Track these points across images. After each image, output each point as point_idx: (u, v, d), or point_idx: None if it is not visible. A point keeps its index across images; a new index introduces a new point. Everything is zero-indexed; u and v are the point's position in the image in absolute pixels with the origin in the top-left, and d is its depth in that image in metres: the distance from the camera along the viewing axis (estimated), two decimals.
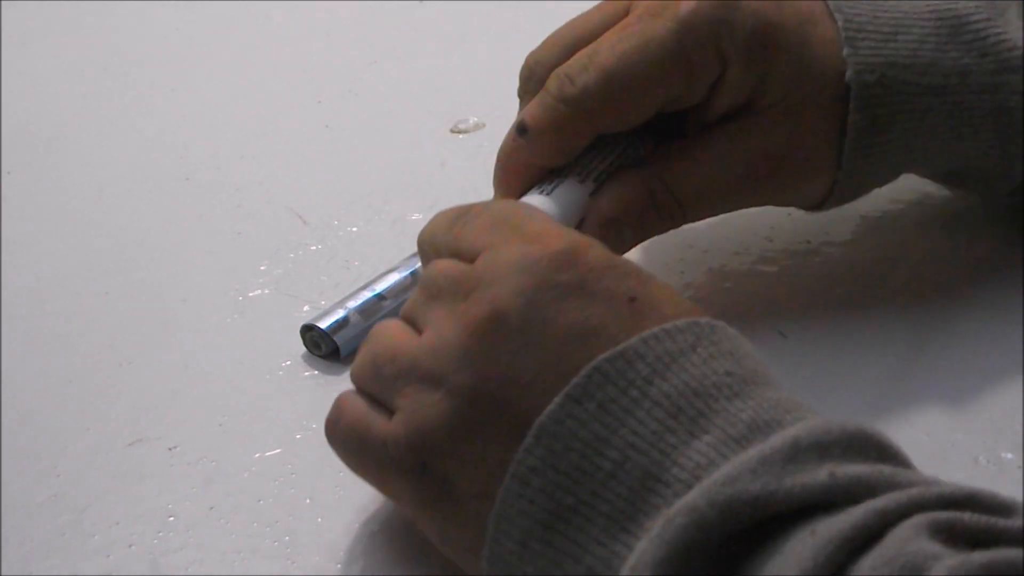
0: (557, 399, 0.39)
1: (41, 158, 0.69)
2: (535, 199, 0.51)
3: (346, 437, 0.43)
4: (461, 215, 0.46)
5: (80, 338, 0.57)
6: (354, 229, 0.62)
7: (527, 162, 0.52)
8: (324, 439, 0.50)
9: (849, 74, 0.51)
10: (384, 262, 0.57)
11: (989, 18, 0.52)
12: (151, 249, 0.62)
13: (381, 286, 0.55)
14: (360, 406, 0.43)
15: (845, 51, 0.51)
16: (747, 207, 0.55)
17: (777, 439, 0.36)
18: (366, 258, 0.60)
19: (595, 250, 0.42)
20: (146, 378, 0.54)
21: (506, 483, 0.39)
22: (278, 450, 0.50)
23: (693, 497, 0.35)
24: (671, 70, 0.50)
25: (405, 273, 0.56)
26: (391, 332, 0.44)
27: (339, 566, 0.46)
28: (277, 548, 0.46)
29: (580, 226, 0.51)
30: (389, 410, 0.42)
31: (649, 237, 0.54)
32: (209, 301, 0.58)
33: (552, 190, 0.51)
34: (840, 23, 0.51)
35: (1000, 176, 0.54)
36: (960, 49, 0.51)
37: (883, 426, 0.38)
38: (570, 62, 0.51)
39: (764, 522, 0.35)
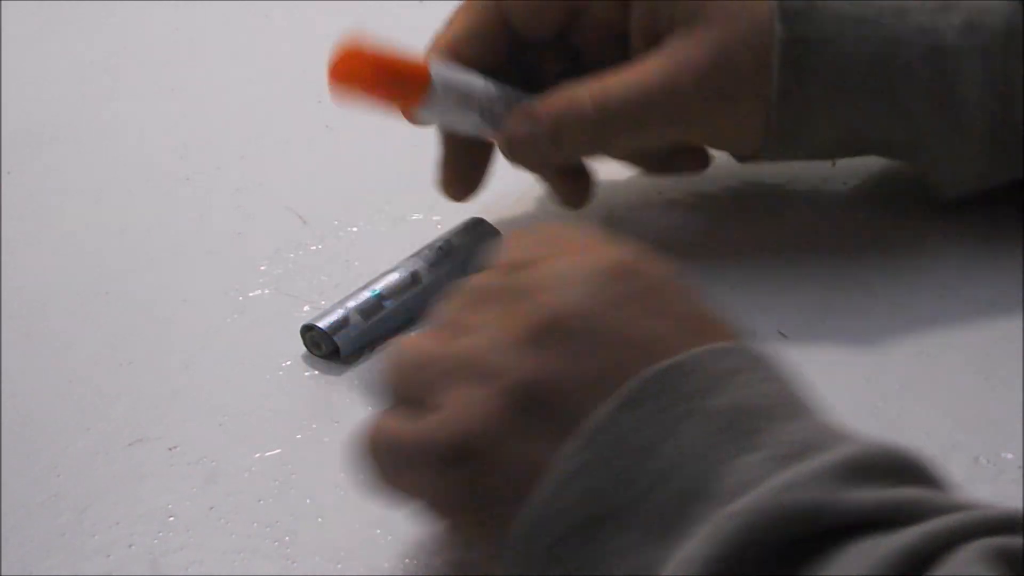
0: (610, 403, 0.38)
1: (41, 158, 0.69)
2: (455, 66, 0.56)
3: (381, 441, 0.42)
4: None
5: (80, 338, 0.56)
6: (354, 229, 0.62)
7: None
8: (324, 439, 0.50)
9: None
10: (384, 262, 0.57)
11: None
12: (151, 249, 0.62)
13: (381, 286, 0.55)
14: (395, 415, 0.42)
15: None
16: (678, 136, 0.56)
17: (831, 455, 0.36)
18: (366, 258, 0.60)
19: (651, 264, 0.42)
20: (146, 378, 0.54)
21: (545, 483, 0.38)
22: (278, 450, 0.50)
23: (748, 501, 0.35)
24: None
25: (405, 273, 0.56)
26: (426, 339, 0.43)
27: (339, 566, 0.45)
28: (277, 548, 0.46)
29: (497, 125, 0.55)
30: (430, 410, 0.41)
31: (571, 155, 0.56)
32: (209, 301, 0.58)
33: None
34: None
35: (948, 151, 0.54)
36: None
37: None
38: None
39: (815, 535, 0.34)
